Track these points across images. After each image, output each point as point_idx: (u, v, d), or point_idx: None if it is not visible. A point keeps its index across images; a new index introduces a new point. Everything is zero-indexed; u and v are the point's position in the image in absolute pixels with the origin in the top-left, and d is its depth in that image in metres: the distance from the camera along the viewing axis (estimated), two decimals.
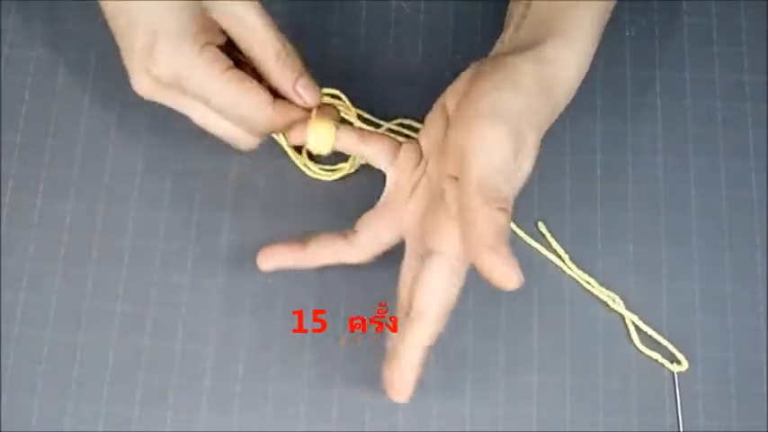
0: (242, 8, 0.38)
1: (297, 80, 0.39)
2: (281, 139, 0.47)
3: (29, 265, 0.46)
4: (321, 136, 0.40)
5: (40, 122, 0.48)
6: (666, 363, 0.44)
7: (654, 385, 0.45)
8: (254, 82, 0.39)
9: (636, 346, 0.45)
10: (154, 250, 0.47)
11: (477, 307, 0.46)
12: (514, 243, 0.46)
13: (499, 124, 0.36)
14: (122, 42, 0.39)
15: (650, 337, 0.45)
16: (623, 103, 0.49)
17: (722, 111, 0.49)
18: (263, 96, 0.38)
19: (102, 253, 0.47)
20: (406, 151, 0.41)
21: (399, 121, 0.48)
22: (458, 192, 0.36)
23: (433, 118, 0.41)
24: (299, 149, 0.48)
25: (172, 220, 0.47)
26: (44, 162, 0.48)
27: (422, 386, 0.45)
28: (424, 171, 0.41)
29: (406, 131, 0.48)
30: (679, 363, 0.44)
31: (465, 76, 0.39)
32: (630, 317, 0.45)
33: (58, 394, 0.45)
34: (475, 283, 0.46)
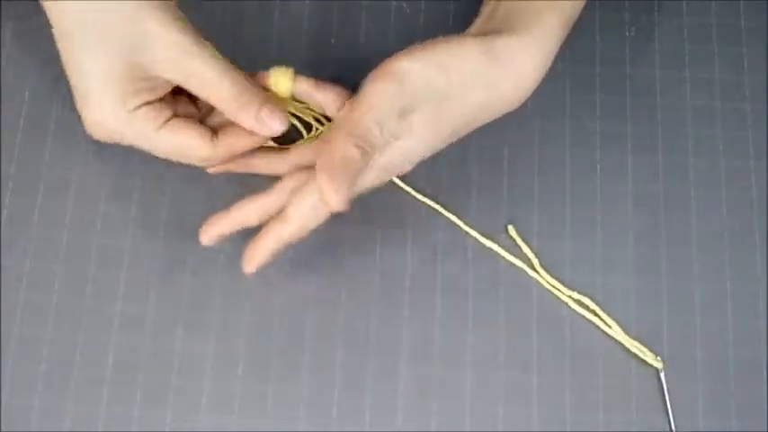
0: (196, 65, 0.39)
1: (258, 112, 0.41)
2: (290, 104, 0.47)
3: (29, 265, 0.46)
4: (281, 79, 0.42)
5: (40, 123, 0.48)
6: (650, 358, 0.44)
7: (654, 385, 0.45)
8: (191, 127, 0.41)
9: (616, 342, 0.45)
10: (154, 250, 0.47)
11: (477, 307, 0.46)
12: (515, 244, 0.47)
13: (394, 81, 0.38)
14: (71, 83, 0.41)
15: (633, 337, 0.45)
16: (623, 103, 0.49)
17: (722, 111, 0.49)
18: (201, 139, 0.41)
19: (102, 253, 0.47)
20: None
21: None
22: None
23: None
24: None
25: (172, 221, 0.47)
26: (44, 162, 0.48)
27: (422, 386, 0.45)
28: None
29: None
30: (659, 361, 0.44)
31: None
32: (605, 318, 0.45)
33: (58, 394, 0.45)
34: (475, 284, 0.46)
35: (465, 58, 0.39)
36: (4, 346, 0.45)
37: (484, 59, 0.39)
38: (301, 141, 0.48)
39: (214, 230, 0.43)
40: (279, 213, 0.41)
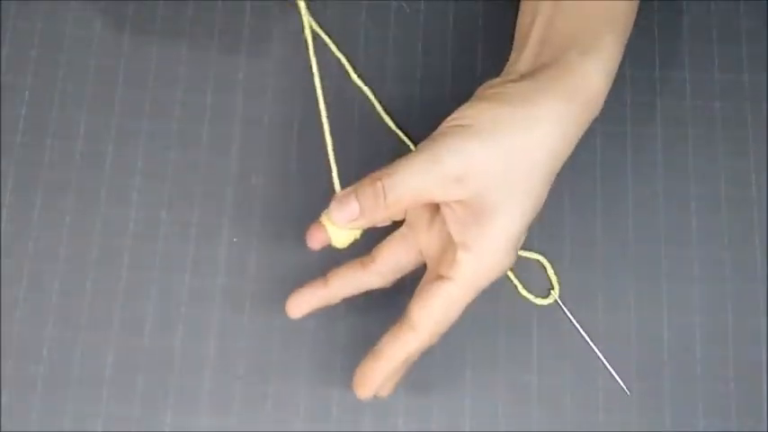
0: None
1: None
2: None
3: (29, 265, 0.46)
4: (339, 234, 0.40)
5: (41, 121, 0.48)
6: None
7: (653, 385, 0.45)
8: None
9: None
10: (154, 250, 0.47)
11: (477, 307, 0.46)
12: None
13: (511, 251, 0.37)
14: None
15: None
16: (623, 103, 0.49)
17: (722, 111, 0.49)
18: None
19: (102, 253, 0.47)
20: None
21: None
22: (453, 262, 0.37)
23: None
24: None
25: (172, 220, 0.47)
26: (44, 162, 0.48)
27: (422, 386, 0.45)
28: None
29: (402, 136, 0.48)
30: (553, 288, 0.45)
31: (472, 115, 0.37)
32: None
33: (58, 394, 0.45)
34: None
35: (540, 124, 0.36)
36: (4, 346, 0.45)
37: (563, 109, 0.37)
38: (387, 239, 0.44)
39: (308, 305, 0.42)
40: (402, 320, 0.39)
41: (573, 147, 0.38)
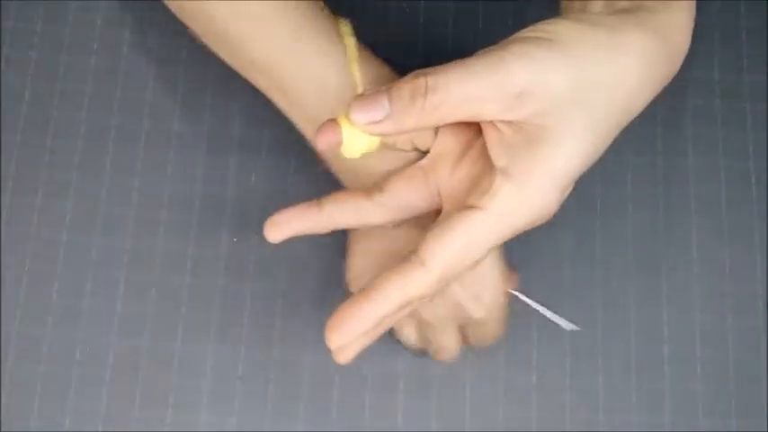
0: None
1: None
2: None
3: (29, 265, 0.46)
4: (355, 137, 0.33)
5: (40, 122, 0.48)
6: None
7: (653, 385, 0.45)
8: None
9: None
10: (154, 250, 0.47)
11: None
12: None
13: (563, 188, 0.31)
14: None
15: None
16: None
17: (722, 111, 0.49)
18: None
19: (102, 253, 0.47)
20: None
21: None
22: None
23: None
24: None
25: (172, 220, 0.47)
26: (44, 162, 0.48)
27: (422, 386, 0.45)
28: (477, 137, 0.34)
29: None
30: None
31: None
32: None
33: (58, 394, 0.45)
34: None
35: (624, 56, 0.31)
36: (4, 346, 0.45)
37: (650, 46, 0.31)
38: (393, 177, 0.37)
39: (290, 227, 0.36)
40: (409, 256, 0.31)
41: (651, 98, 0.33)
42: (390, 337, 0.42)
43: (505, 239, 0.31)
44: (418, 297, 0.31)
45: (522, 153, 0.30)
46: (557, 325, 0.46)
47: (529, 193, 0.30)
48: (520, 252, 0.46)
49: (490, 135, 0.31)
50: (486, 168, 0.32)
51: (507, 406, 0.44)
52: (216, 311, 0.46)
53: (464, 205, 0.31)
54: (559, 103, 0.30)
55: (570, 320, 0.46)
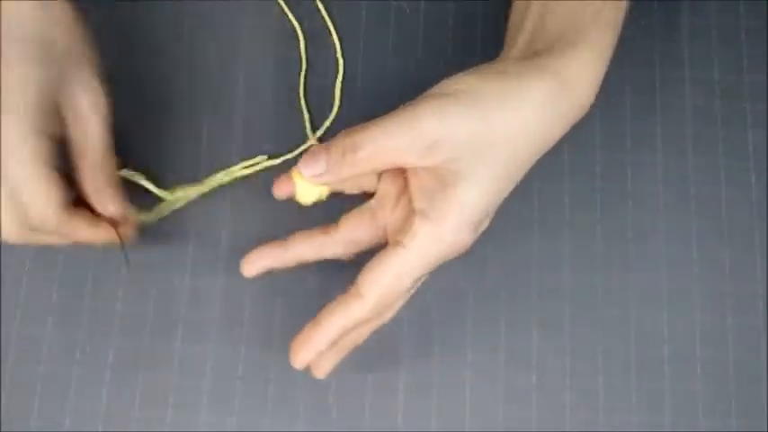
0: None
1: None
2: None
3: (29, 265, 0.46)
4: (306, 188, 0.39)
5: None
6: None
7: (653, 385, 0.45)
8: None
9: None
10: (154, 250, 0.47)
11: (477, 306, 0.46)
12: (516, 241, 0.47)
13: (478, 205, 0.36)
14: None
15: None
16: (623, 104, 0.49)
17: (722, 110, 0.49)
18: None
19: (101, 253, 0.47)
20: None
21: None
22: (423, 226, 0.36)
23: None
24: None
25: (172, 221, 0.47)
26: None
27: (422, 386, 0.45)
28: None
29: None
30: None
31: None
32: None
33: (58, 394, 0.45)
34: (474, 283, 0.46)
35: (527, 99, 0.35)
36: (4, 346, 0.45)
37: (550, 91, 0.36)
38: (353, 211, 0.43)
39: (261, 263, 0.41)
40: (350, 288, 0.38)
41: (555, 139, 0.37)
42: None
43: (430, 270, 0.37)
44: (358, 322, 0.38)
45: (437, 195, 0.36)
46: (557, 324, 0.46)
47: (442, 231, 0.36)
48: (520, 252, 0.47)
49: (412, 181, 0.37)
50: (412, 210, 0.37)
51: (507, 406, 0.44)
52: (216, 311, 0.46)
53: (394, 241, 0.37)
54: (467, 150, 0.35)
55: (570, 320, 0.46)
